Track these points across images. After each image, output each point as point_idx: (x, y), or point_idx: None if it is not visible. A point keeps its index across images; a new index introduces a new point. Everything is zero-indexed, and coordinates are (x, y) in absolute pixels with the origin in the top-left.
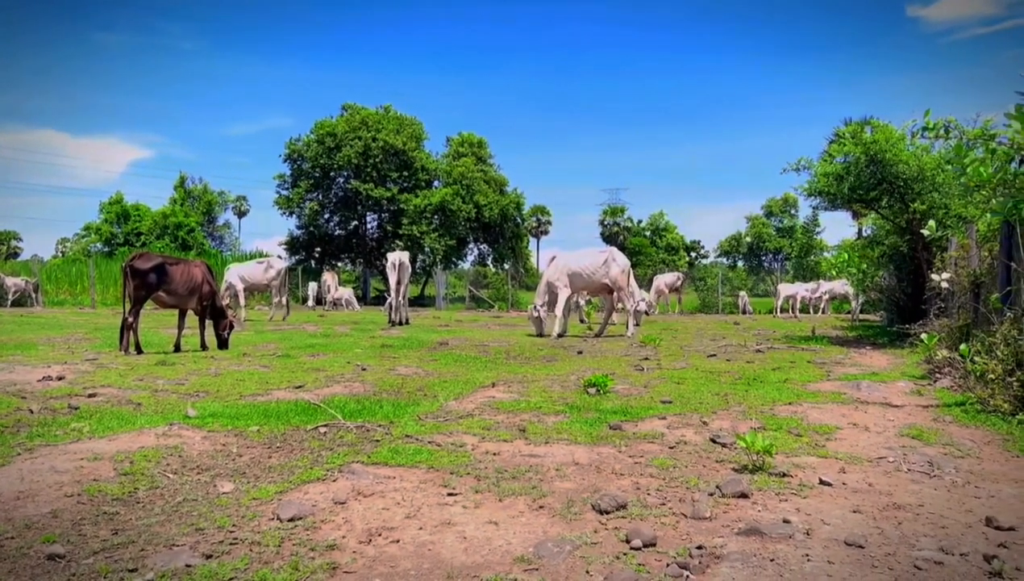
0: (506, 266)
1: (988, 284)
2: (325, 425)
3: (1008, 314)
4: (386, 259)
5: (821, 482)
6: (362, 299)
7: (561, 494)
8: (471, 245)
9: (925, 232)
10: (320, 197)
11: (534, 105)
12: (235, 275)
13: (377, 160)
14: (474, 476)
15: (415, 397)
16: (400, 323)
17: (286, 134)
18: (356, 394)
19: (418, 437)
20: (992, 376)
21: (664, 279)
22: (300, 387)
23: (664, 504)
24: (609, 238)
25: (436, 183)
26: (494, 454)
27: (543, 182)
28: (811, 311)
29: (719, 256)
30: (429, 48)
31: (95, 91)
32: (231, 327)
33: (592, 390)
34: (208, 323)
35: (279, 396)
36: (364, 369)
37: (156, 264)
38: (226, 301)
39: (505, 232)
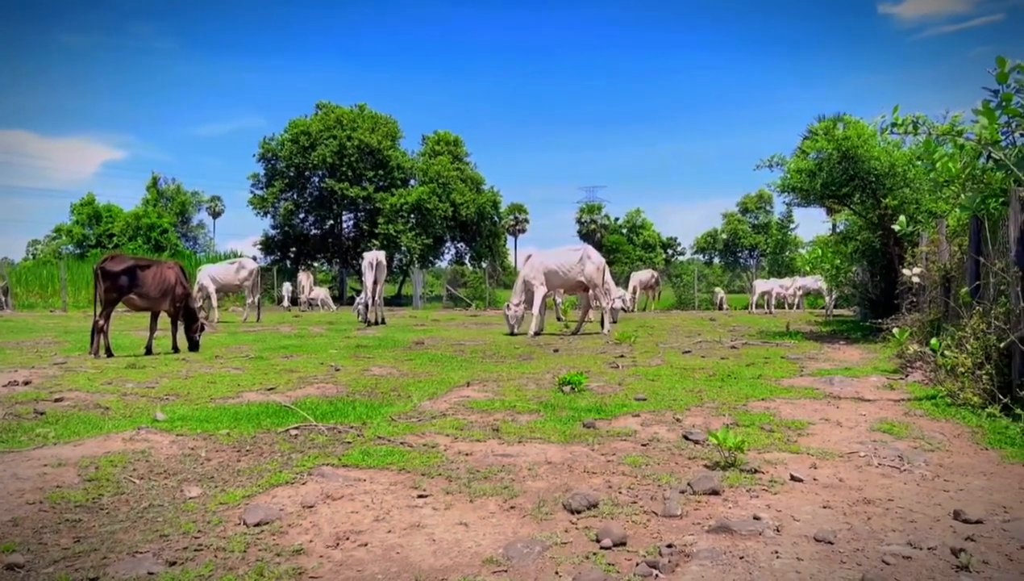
0: (484, 265)
1: (958, 278)
2: (296, 427)
3: (977, 308)
4: (362, 258)
5: (792, 478)
6: (338, 299)
7: (533, 494)
8: (448, 244)
9: (896, 228)
10: (295, 197)
11: (510, 104)
12: (207, 276)
13: (352, 159)
14: (445, 477)
15: (389, 398)
16: (376, 323)
17: (260, 134)
18: (329, 395)
19: (390, 438)
20: (962, 369)
21: (639, 277)
22: (272, 389)
23: (635, 502)
24: (586, 236)
25: (412, 182)
26: (466, 454)
27: (520, 181)
28: (786, 307)
29: (695, 253)
30: (404, 47)
31: (67, 92)
32: (202, 329)
33: (567, 388)
34: (180, 325)
35: (250, 398)
36: (338, 370)
37: (128, 266)
38: (199, 302)
39: (482, 230)
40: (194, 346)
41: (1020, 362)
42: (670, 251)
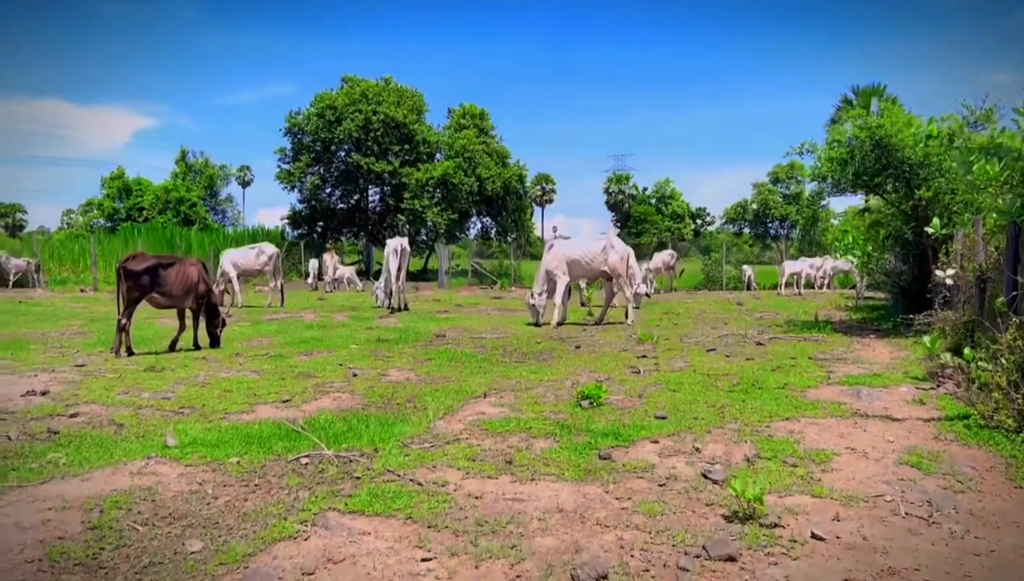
0: (509, 239)
1: (994, 280)
2: (307, 455)
3: (1014, 319)
4: (386, 245)
5: (813, 536)
6: (365, 274)
7: (541, 556)
8: (474, 218)
9: (930, 230)
10: (321, 171)
11: (536, 73)
12: (228, 262)
13: (378, 133)
14: (452, 531)
15: (404, 411)
16: (399, 309)
17: (288, 104)
18: (344, 408)
19: (400, 472)
20: (996, 390)
21: (660, 258)
22: (287, 401)
23: (647, 570)
24: (614, 206)
25: (438, 156)
26: (476, 497)
27: (547, 150)
28: (815, 287)
29: (725, 223)
30: (429, 18)
31: (98, 60)
32: (224, 324)
33: (585, 403)
34: (202, 321)
35: (264, 414)
36: (355, 375)
37: (150, 265)
38: (222, 287)
39: (508, 205)
40: (215, 342)
41: None
42: (699, 222)
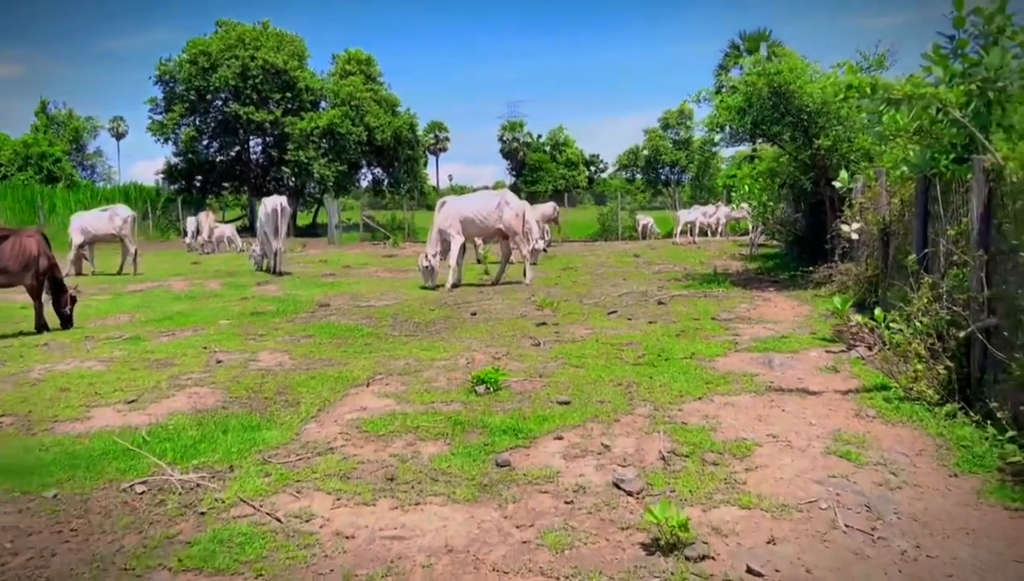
0: (403, 190)
1: (898, 233)
2: (144, 481)
3: (926, 279)
4: (263, 204)
5: (749, 571)
6: (250, 230)
7: None
8: (364, 170)
9: (837, 184)
10: (197, 122)
11: (425, 18)
12: (76, 227)
13: (257, 81)
14: None
15: (271, 409)
16: (279, 274)
17: (167, 50)
18: (201, 409)
19: (256, 503)
20: (914, 357)
21: (541, 210)
22: (133, 402)
23: None
24: (509, 154)
25: (323, 105)
26: (347, 536)
27: (440, 97)
28: (709, 234)
29: (617, 170)
30: None
31: None
32: (74, 301)
33: (481, 388)
34: (47, 300)
35: (102, 422)
36: (219, 361)
37: None
38: (72, 256)
39: (400, 155)
40: (66, 322)
41: (980, 355)
42: (593, 169)
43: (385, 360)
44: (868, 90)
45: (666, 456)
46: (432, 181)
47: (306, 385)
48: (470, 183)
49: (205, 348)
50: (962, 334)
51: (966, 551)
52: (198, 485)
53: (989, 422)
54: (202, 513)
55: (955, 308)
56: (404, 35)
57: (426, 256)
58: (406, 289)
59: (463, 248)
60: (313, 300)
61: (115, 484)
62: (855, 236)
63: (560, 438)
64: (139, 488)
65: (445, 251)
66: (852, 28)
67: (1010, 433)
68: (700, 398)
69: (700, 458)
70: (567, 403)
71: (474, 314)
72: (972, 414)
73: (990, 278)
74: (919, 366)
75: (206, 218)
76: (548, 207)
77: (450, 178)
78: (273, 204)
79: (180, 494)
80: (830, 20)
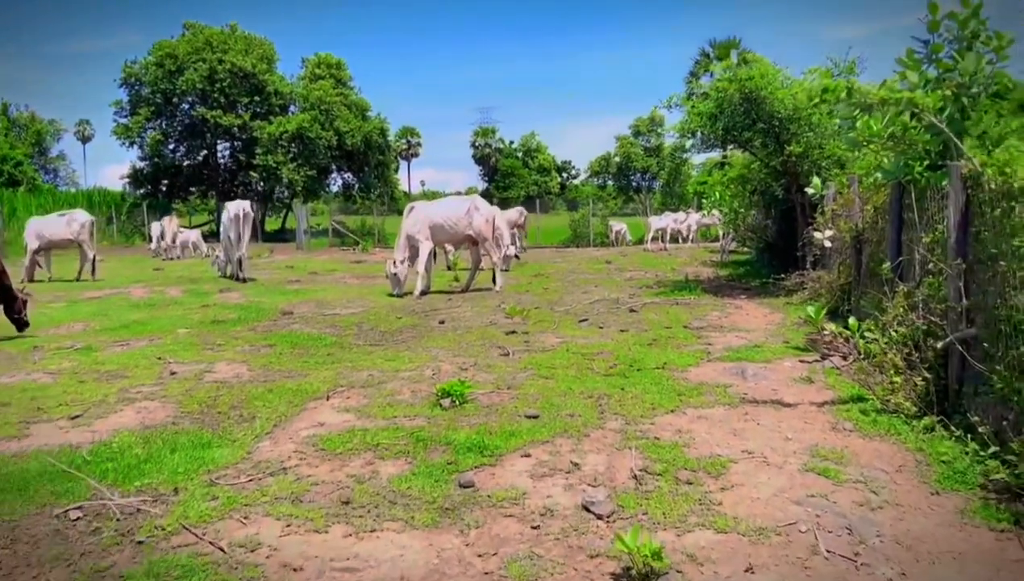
0: (373, 195)
1: (871, 241)
2: (80, 506)
3: (901, 287)
4: (225, 209)
5: None
6: (217, 234)
7: None
8: (334, 174)
9: (810, 190)
10: (163, 125)
11: (398, 21)
12: (32, 232)
13: (225, 84)
14: None
15: (224, 424)
16: (243, 280)
17: (132, 52)
18: (149, 425)
19: (200, 530)
20: (891, 368)
21: (507, 216)
22: (77, 418)
23: None
24: (481, 160)
25: (292, 109)
26: (295, 569)
27: (412, 102)
28: (680, 241)
29: (590, 177)
30: None
31: None
32: (25, 304)
33: (446, 402)
34: None
35: (41, 440)
36: (173, 373)
37: None
38: (27, 262)
39: (370, 160)
40: (21, 326)
41: (959, 367)
42: (565, 175)
43: (347, 371)
44: (844, 94)
45: (638, 475)
46: (404, 186)
47: (263, 399)
48: (442, 189)
49: (160, 359)
50: (940, 345)
51: (954, 578)
52: (138, 510)
53: (969, 436)
54: (139, 542)
55: (932, 318)
56: (377, 40)
57: (394, 262)
58: (373, 296)
59: (433, 254)
60: (277, 307)
61: (48, 510)
62: (828, 243)
63: (527, 455)
64: (74, 514)
65: (414, 257)
66: (820, 38)
67: (992, 449)
68: (673, 411)
69: (673, 476)
70: (535, 417)
71: (442, 322)
72: (951, 427)
73: (968, 287)
74: (896, 378)
75: (170, 223)
76: (514, 213)
77: (422, 184)
78: (236, 209)
79: (118, 521)
80: (799, 30)
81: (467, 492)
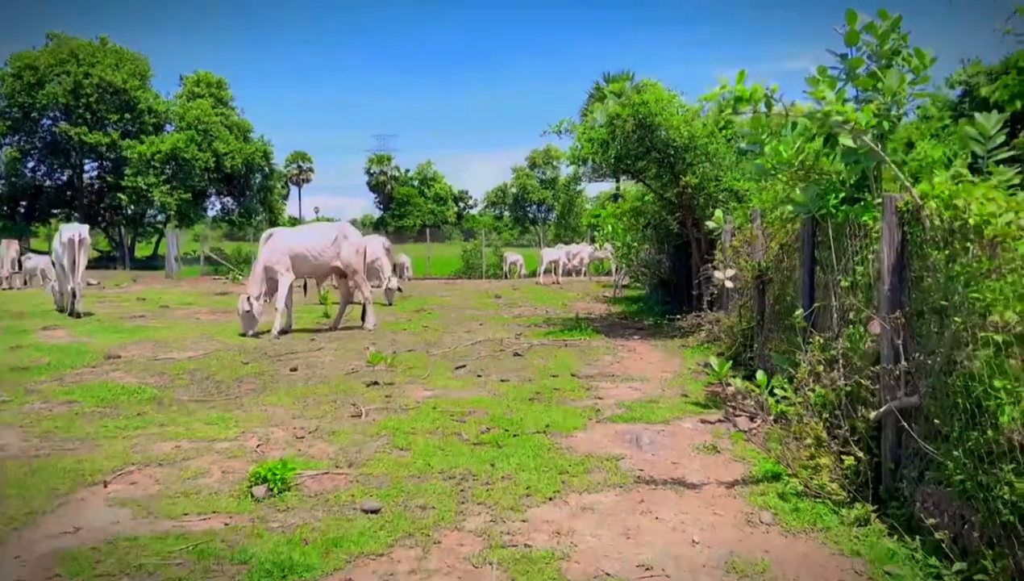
0: (255, 221)
1: (775, 281)
2: None
3: (817, 338)
4: (59, 233)
5: None
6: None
7: None
8: (212, 198)
9: (711, 224)
10: (22, 142)
11: (291, 46)
12: None
13: (91, 99)
14: None
15: None
16: (77, 315)
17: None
18: None
19: None
20: (812, 439)
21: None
22: None
23: None
24: (376, 187)
25: (168, 128)
26: None
27: (306, 126)
28: (573, 274)
29: (486, 207)
30: None
31: None
32: None
33: (261, 489)
34: None
35: None
36: None
37: None
38: None
39: (252, 184)
40: None
41: (894, 441)
42: (461, 205)
43: (149, 442)
44: (762, 104)
45: None
46: (293, 212)
47: (20, 484)
48: (337, 215)
49: None
50: (873, 415)
51: None
52: None
53: (917, 536)
54: None
55: (859, 378)
56: (266, 62)
57: (248, 298)
58: (224, 335)
59: (291, 288)
60: (103, 350)
61: None
62: (729, 284)
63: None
64: None
65: (272, 291)
66: (711, 77)
67: (958, 565)
68: (551, 498)
69: None
70: (376, 511)
71: (294, 370)
72: (889, 517)
73: (907, 346)
74: (821, 456)
75: (10, 249)
76: (376, 241)
77: (316, 210)
78: (71, 233)
79: None
80: (689, 68)
81: None
